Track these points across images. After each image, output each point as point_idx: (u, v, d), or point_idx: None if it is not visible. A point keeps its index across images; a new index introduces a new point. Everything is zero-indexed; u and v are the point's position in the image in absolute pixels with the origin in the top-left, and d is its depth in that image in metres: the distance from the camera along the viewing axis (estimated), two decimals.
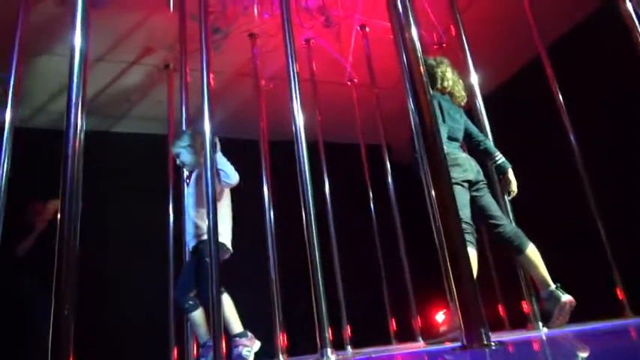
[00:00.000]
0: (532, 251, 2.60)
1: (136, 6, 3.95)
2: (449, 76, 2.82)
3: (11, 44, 2.64)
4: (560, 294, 2.50)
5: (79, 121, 1.61)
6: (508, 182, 2.84)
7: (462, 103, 2.92)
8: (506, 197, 2.92)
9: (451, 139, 2.66)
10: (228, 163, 3.00)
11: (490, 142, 2.95)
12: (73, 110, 1.61)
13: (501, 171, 2.85)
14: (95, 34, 3.79)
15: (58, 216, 1.54)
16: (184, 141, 3.15)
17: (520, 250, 2.60)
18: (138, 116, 5.48)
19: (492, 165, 2.88)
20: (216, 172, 2.76)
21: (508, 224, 2.69)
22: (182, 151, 3.13)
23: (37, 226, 3.85)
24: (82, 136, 1.62)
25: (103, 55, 4.43)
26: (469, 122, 2.92)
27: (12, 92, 2.49)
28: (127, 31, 4.23)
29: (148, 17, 4.12)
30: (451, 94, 2.83)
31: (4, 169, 2.35)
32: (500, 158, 2.85)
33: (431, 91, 2.64)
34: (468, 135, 2.89)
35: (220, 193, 2.99)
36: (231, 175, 2.95)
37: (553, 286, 2.54)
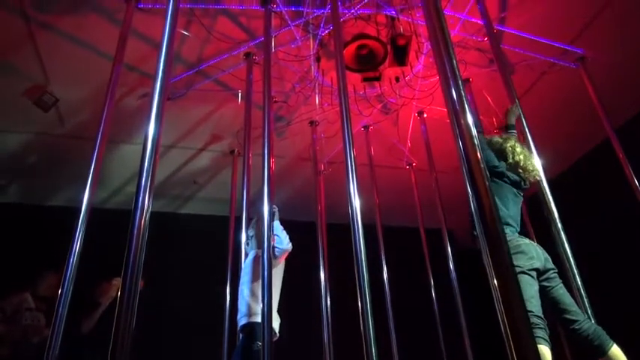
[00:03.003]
0: (616, 353, 2.30)
1: (208, 98, 4.30)
2: (519, 150, 2.71)
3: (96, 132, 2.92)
4: None
5: (146, 204, 1.71)
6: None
7: (536, 178, 2.79)
8: (581, 288, 2.66)
9: (511, 225, 2.52)
10: (285, 232, 2.99)
11: None
12: (141, 193, 1.72)
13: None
14: (169, 123, 4.12)
15: (119, 293, 1.59)
16: (254, 221, 3.25)
17: (601, 351, 2.30)
18: (203, 198, 5.76)
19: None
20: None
21: (586, 321, 2.40)
22: (252, 230, 3.22)
23: (102, 303, 3.98)
24: (148, 217, 1.70)
25: (175, 142, 4.78)
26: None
27: (91, 175, 2.70)
28: (198, 120, 4.59)
29: (218, 108, 4.46)
30: (524, 169, 2.70)
31: (77, 247, 2.49)
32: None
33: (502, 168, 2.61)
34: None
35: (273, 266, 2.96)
36: (284, 241, 2.93)
37: None
